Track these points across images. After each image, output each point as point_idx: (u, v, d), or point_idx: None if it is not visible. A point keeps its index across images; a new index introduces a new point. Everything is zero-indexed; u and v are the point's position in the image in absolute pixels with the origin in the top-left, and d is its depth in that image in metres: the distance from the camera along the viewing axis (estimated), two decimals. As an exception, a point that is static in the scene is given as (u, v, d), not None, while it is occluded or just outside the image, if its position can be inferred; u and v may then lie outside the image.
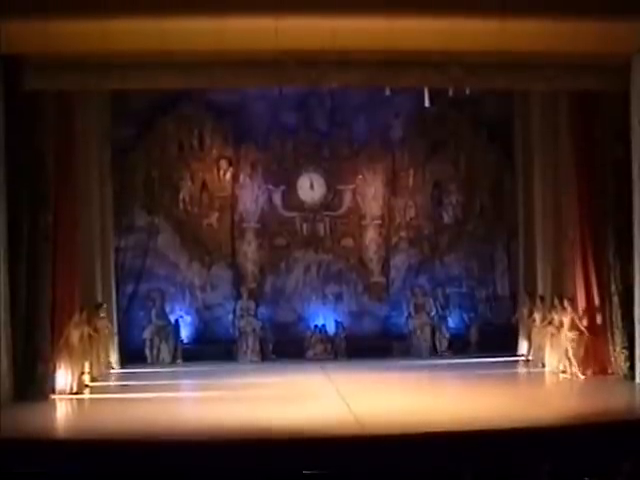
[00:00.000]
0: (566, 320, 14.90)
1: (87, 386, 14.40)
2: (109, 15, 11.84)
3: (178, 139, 18.59)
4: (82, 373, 14.29)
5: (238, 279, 18.76)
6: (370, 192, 18.97)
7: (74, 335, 14.04)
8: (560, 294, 15.62)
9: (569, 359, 14.79)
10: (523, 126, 18.00)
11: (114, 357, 16.96)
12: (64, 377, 13.69)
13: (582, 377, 14.48)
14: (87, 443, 10.29)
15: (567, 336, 14.80)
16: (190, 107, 18.50)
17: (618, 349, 14.11)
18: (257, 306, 18.48)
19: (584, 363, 14.59)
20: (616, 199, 14.05)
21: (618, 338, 14.08)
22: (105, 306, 16.66)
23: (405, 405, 12.30)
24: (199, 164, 18.69)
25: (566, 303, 15.04)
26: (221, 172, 18.76)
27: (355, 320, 18.89)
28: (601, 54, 12.97)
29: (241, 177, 18.82)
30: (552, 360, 15.58)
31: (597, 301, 14.65)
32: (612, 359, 14.39)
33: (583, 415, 11.63)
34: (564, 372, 15.01)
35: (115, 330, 17.05)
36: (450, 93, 14.48)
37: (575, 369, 14.64)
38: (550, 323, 15.73)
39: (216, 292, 18.78)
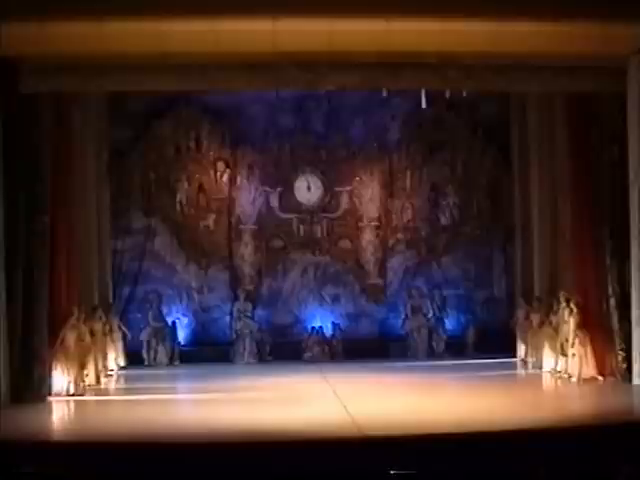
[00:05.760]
0: (565, 321, 14.93)
1: (84, 388, 14.38)
2: (106, 17, 11.86)
3: (175, 141, 18.60)
4: (79, 375, 14.27)
5: (235, 281, 18.76)
6: (367, 194, 18.98)
7: (70, 337, 14.00)
8: (557, 296, 15.63)
9: (568, 360, 14.80)
10: (520, 128, 18.03)
11: (121, 357, 17.06)
12: (61, 379, 13.67)
13: (580, 378, 14.46)
14: (84, 445, 10.28)
15: (567, 337, 14.83)
16: (187, 109, 18.51)
17: (615, 351, 14.11)
18: (254, 308, 18.49)
19: (582, 364, 14.57)
20: (612, 200, 14.06)
21: (615, 340, 14.08)
22: (114, 309, 17.05)
23: (402, 407, 12.29)
24: (196, 166, 18.70)
25: (563, 304, 15.08)
26: (218, 174, 18.76)
27: (352, 322, 18.91)
28: (598, 56, 12.97)
29: (238, 179, 18.83)
30: (549, 362, 15.60)
31: (594, 303, 14.63)
32: (609, 361, 14.38)
33: (581, 417, 11.65)
34: (561, 373, 15.03)
35: (123, 330, 17.18)
36: (447, 95, 14.51)
37: (573, 370, 14.63)
38: (547, 325, 15.77)
39: (213, 294, 18.79)
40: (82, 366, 14.35)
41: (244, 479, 9.21)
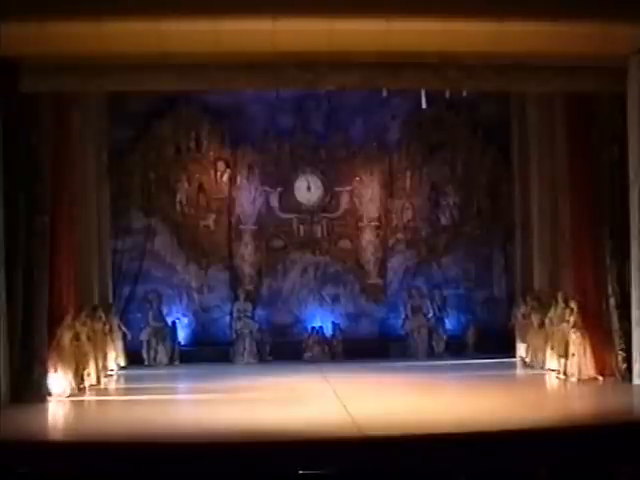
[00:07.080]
0: (565, 320, 14.93)
1: (84, 388, 14.37)
2: (107, 17, 11.86)
3: (175, 141, 18.57)
4: (79, 375, 14.26)
5: (235, 281, 18.75)
6: (367, 194, 18.97)
7: (66, 337, 13.98)
8: (557, 295, 15.63)
9: (568, 360, 14.80)
10: (520, 128, 18.05)
11: (121, 357, 17.06)
12: (61, 379, 13.66)
13: (580, 378, 14.46)
14: (84, 445, 10.28)
15: (567, 337, 14.83)
16: (187, 109, 18.49)
17: (615, 351, 14.10)
18: (254, 308, 18.49)
19: (582, 364, 14.57)
20: (612, 200, 14.05)
21: (615, 340, 14.08)
22: (114, 309, 17.06)
23: (402, 407, 12.29)
24: (196, 166, 18.68)
25: (563, 304, 15.09)
26: (218, 174, 18.75)
27: (352, 322, 18.90)
28: (598, 56, 12.96)
29: (238, 179, 18.81)
30: (549, 361, 15.59)
31: (594, 303, 14.63)
32: (609, 361, 14.37)
33: (581, 417, 11.65)
34: (561, 373, 15.02)
35: (123, 330, 17.20)
36: (447, 95, 14.51)
37: (573, 370, 14.62)
38: (547, 324, 15.76)
39: (213, 294, 18.78)
40: (80, 366, 14.34)
41: (244, 479, 9.21)
